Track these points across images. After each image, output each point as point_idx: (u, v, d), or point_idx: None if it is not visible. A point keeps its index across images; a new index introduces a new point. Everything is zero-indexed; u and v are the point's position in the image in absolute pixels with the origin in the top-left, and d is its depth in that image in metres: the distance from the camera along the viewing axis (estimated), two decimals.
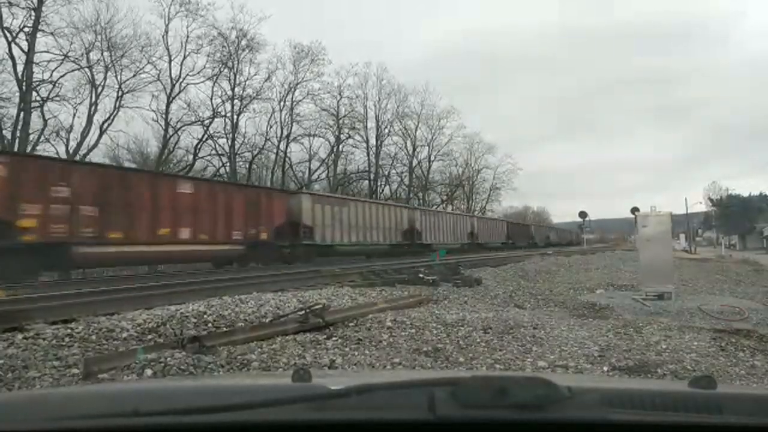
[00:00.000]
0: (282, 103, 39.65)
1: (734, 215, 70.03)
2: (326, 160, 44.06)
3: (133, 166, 31.56)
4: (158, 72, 32.26)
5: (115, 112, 30.79)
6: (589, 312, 8.56)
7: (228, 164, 36.67)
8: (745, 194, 75.52)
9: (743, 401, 1.09)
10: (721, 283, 14.63)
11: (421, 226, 29.72)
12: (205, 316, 6.48)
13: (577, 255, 25.58)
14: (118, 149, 33.93)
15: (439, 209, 43.94)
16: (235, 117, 36.64)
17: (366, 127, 46.43)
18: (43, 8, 26.26)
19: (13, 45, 25.80)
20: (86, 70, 29.26)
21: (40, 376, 4.15)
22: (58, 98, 28.20)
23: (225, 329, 5.84)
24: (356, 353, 5.05)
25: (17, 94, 26.09)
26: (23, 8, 25.74)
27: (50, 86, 27.63)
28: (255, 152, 39.08)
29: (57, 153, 28.22)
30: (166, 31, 32.56)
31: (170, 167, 32.33)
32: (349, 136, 45.12)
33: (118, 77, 30.59)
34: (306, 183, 41.33)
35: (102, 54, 29.73)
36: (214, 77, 35.21)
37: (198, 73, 34.22)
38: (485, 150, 57.37)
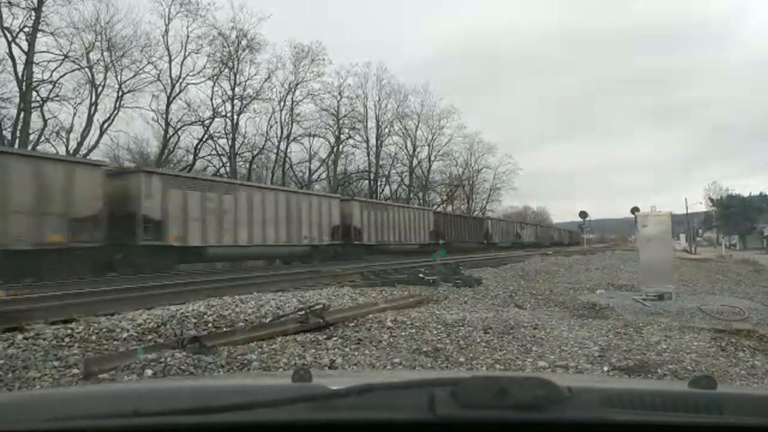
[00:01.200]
0: (282, 103, 39.68)
1: (734, 215, 70.00)
2: (326, 160, 44.11)
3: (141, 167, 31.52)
4: (158, 72, 32.27)
5: (115, 112, 30.80)
6: (589, 312, 8.56)
7: (228, 164, 36.70)
8: (745, 194, 75.60)
9: (743, 401, 1.09)
10: (721, 283, 14.63)
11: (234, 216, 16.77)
12: (205, 316, 6.48)
13: (577, 255, 25.59)
14: (118, 149, 34.00)
15: (266, 184, 28.17)
16: (235, 117, 36.66)
17: (366, 127, 46.47)
18: (43, 8, 26.25)
19: (13, 45, 25.80)
20: (86, 70, 29.26)
21: (40, 376, 4.15)
22: (58, 98, 28.21)
23: (225, 329, 5.84)
24: (356, 353, 5.04)
25: (17, 94, 26.13)
26: (23, 8, 25.76)
27: (50, 86, 27.62)
28: (255, 152, 39.10)
29: (57, 153, 28.25)
30: (166, 31, 32.57)
31: (170, 167, 32.30)
32: (349, 136, 45.15)
33: (118, 77, 30.59)
34: (306, 183, 41.35)
35: (102, 54, 29.73)
36: (214, 77, 35.22)
37: (198, 73, 34.22)
38: (485, 150, 57.29)
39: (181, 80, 33.51)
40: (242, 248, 18.30)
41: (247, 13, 50.05)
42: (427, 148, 52.32)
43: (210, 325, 6.21)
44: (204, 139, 35.80)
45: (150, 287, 9.72)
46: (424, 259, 20.45)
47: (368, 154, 46.93)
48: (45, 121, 27.91)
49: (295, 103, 40.13)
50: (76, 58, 28.40)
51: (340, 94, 42.61)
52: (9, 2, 25.09)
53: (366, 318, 6.59)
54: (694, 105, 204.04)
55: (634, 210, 20.90)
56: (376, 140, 47.36)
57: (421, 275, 12.00)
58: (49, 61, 27.28)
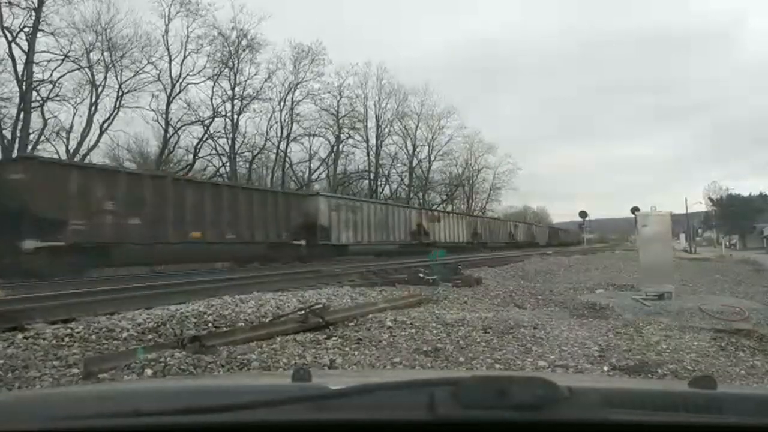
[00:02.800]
0: (282, 103, 39.69)
1: (734, 215, 70.13)
2: (326, 160, 44.12)
3: (134, 167, 31.59)
4: (158, 72, 32.32)
5: (115, 111, 30.87)
6: (589, 312, 8.55)
7: (228, 164, 36.72)
8: (745, 194, 75.71)
9: (743, 401, 1.09)
10: (721, 283, 14.64)
11: None
12: (205, 316, 6.47)
13: (578, 255, 25.62)
14: (118, 149, 34.01)
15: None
16: (235, 117, 36.69)
17: (366, 126, 46.41)
18: (44, 8, 26.28)
19: (13, 45, 25.85)
20: (86, 70, 29.31)
21: (40, 376, 4.15)
22: (58, 98, 28.28)
23: (225, 329, 5.83)
24: (356, 353, 5.05)
25: (17, 93, 26.16)
26: (23, 8, 25.79)
27: (50, 86, 27.69)
28: (255, 152, 39.12)
29: (57, 153, 28.31)
30: (167, 31, 32.61)
31: (170, 167, 32.33)
32: (349, 136, 45.12)
33: (119, 77, 30.65)
34: (306, 183, 41.37)
35: (102, 54, 29.79)
36: (215, 77, 35.25)
37: (198, 73, 34.26)
38: (485, 150, 57.03)
39: (181, 80, 33.59)
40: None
41: (247, 13, 49.84)
42: (427, 147, 52.22)
43: (210, 324, 6.21)
44: (204, 139, 35.86)
45: (149, 287, 9.72)
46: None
47: (368, 154, 46.97)
48: (45, 120, 28.00)
49: (295, 102, 40.19)
50: (77, 58, 28.48)
51: (340, 94, 42.61)
52: (9, 2, 25.14)
53: (366, 318, 6.58)
54: (694, 105, 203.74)
55: (634, 210, 20.96)
56: (376, 140, 47.38)
57: (421, 275, 12.01)
58: (49, 61, 27.36)
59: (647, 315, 8.21)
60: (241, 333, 5.51)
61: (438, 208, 41.78)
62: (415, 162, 51.11)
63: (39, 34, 26.21)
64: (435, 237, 30.83)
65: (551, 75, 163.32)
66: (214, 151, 37.06)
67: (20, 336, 5.19)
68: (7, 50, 25.71)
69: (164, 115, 33.33)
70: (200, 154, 36.10)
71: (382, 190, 48.46)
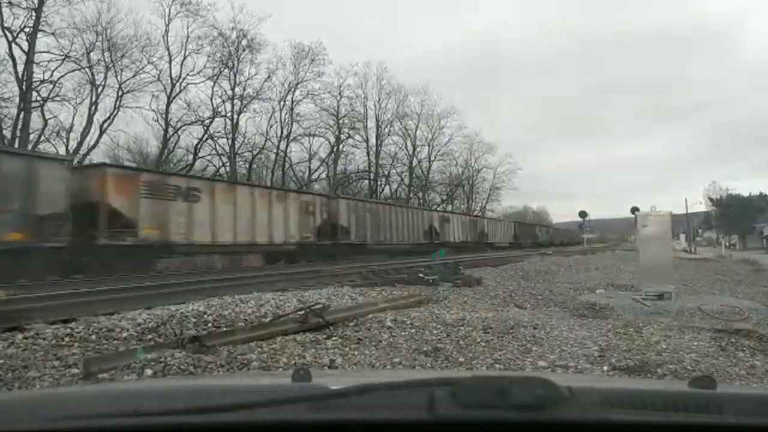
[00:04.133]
0: (282, 103, 39.76)
1: (734, 215, 70.07)
2: (326, 160, 44.17)
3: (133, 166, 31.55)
4: (158, 72, 32.40)
5: (115, 112, 30.96)
6: (589, 312, 8.54)
7: (228, 164, 36.73)
8: (745, 194, 75.65)
9: (743, 401, 1.09)
10: (721, 283, 14.64)
11: None
12: (205, 315, 6.47)
13: (577, 255, 25.61)
14: (118, 149, 34.04)
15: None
16: (235, 117, 36.78)
17: (366, 126, 46.50)
18: (44, 8, 26.32)
19: (13, 45, 25.89)
20: (87, 70, 29.37)
21: (40, 376, 4.15)
22: (58, 98, 28.36)
23: (225, 329, 5.83)
24: (356, 353, 5.05)
25: (17, 93, 26.17)
26: (24, 8, 25.82)
27: (50, 86, 27.75)
28: (255, 152, 39.20)
29: (57, 153, 28.29)
30: (167, 32, 32.69)
31: (170, 167, 32.34)
32: (349, 136, 45.20)
33: (119, 77, 30.72)
34: (306, 183, 41.39)
35: (102, 54, 29.87)
36: (215, 77, 35.33)
37: (198, 73, 34.36)
38: (485, 150, 57.16)
39: (181, 80, 33.65)
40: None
41: (247, 14, 50.09)
42: (427, 147, 52.31)
43: (210, 324, 6.21)
44: (204, 139, 35.93)
45: (149, 287, 9.71)
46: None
47: (368, 154, 47.03)
48: (45, 120, 28.07)
49: (295, 102, 40.27)
50: (77, 59, 28.52)
51: (340, 94, 42.70)
52: (10, 2, 25.16)
53: (366, 318, 6.58)
54: (694, 105, 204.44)
55: (634, 210, 20.95)
56: (376, 140, 47.44)
57: (421, 275, 12.01)
58: (49, 61, 27.42)
59: (647, 315, 8.20)
60: (241, 333, 5.51)
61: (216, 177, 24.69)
62: (415, 162, 51.22)
63: (39, 35, 26.29)
64: (192, 233, 16.28)
65: (551, 75, 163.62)
66: (214, 151, 37.20)
67: (20, 336, 5.19)
68: (7, 50, 25.79)
69: (164, 115, 33.42)
70: (200, 154, 36.28)
71: (382, 190, 48.53)
